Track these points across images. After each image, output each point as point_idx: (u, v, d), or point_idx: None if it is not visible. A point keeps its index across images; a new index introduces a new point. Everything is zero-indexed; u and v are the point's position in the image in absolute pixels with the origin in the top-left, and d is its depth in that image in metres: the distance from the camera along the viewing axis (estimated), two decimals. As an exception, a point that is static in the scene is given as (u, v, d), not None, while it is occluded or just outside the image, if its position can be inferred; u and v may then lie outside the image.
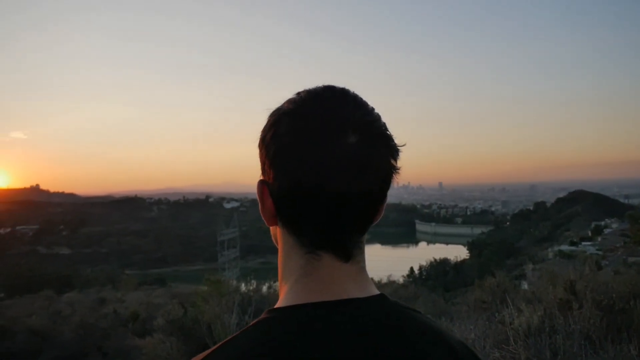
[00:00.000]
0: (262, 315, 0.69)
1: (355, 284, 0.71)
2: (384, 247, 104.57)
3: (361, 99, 0.74)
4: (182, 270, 74.48)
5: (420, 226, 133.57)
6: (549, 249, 52.07)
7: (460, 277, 47.24)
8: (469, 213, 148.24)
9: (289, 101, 0.72)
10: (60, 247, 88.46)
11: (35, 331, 11.11)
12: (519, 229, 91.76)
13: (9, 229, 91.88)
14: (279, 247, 0.76)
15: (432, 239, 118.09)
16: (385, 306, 0.71)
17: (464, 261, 61.34)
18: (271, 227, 0.77)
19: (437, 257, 61.26)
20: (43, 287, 26.78)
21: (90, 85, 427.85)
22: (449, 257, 62.19)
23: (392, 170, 0.72)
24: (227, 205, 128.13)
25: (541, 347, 3.39)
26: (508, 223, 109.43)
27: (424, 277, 55.07)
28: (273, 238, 0.79)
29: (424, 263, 60.27)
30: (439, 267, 58.57)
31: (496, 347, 3.59)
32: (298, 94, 0.73)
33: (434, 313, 7.91)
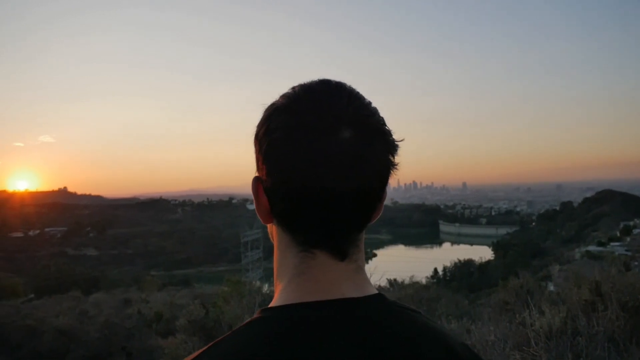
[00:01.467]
0: (255, 315, 0.68)
1: (352, 284, 0.69)
2: (407, 247, 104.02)
3: (357, 93, 0.71)
4: (206, 271, 75.15)
5: (444, 227, 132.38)
6: (576, 250, 51.15)
7: (485, 278, 46.66)
8: (493, 213, 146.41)
9: (283, 96, 0.70)
10: (87, 249, 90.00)
11: (62, 331, 11.33)
12: (545, 230, 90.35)
13: (38, 231, 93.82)
14: (275, 245, 0.75)
15: (456, 239, 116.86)
16: (382, 306, 0.69)
17: (488, 262, 60.61)
18: (268, 225, 0.75)
19: (462, 258, 60.65)
20: (71, 287, 27.27)
21: (116, 88, 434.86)
22: (473, 258, 61.52)
23: (389, 166, 0.70)
24: (250, 207, 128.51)
25: (563, 350, 3.33)
26: (534, 223, 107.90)
27: (448, 278, 54.55)
28: (270, 236, 0.77)
29: (448, 264, 59.71)
30: (464, 268, 57.98)
31: (517, 349, 3.53)
32: (293, 88, 0.71)
33: (456, 314, 7.82)
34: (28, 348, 11.47)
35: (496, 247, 75.97)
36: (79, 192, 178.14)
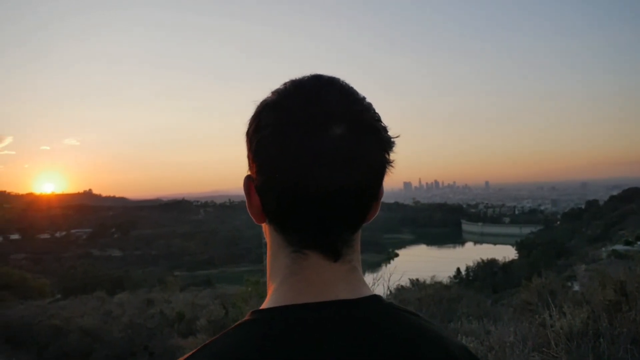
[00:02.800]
0: (246, 317, 0.66)
1: (345, 285, 0.67)
2: (429, 247, 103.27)
3: (350, 88, 0.69)
4: (229, 272, 75.61)
5: (467, 226, 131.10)
6: (603, 249, 50.10)
7: (509, 278, 46.05)
8: (517, 212, 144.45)
9: (274, 92, 0.68)
10: (112, 250, 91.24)
11: (87, 331, 11.52)
12: (570, 229, 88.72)
13: (64, 232, 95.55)
14: (267, 245, 0.73)
15: (479, 239, 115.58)
16: (377, 308, 0.67)
17: (512, 262, 59.79)
18: (263, 225, 0.73)
19: (485, 258, 59.96)
20: (96, 288, 27.67)
21: (138, 91, 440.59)
22: (496, 258, 60.77)
23: (384, 163, 0.68)
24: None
25: (584, 351, 3.26)
26: (558, 222, 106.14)
27: (471, 278, 54.01)
28: (265, 236, 0.75)
29: (470, 264, 59.10)
30: (487, 267, 57.28)
31: (536, 351, 3.47)
32: (284, 84, 0.69)
33: (477, 315, 7.73)
34: (54, 347, 11.70)
35: (520, 246, 74.88)
36: (104, 194, 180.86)
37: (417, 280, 13.64)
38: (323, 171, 0.62)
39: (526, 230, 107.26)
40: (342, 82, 0.69)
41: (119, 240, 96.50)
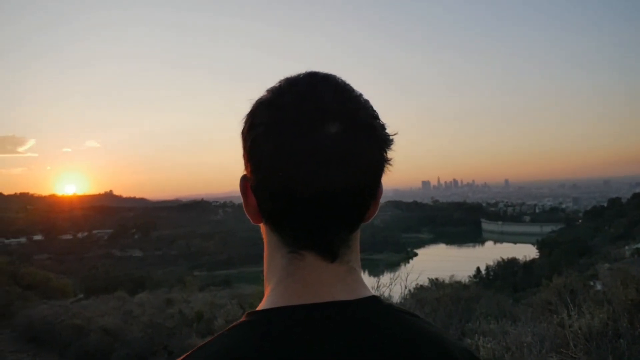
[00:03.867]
0: (242, 318, 0.65)
1: (343, 286, 0.66)
2: (448, 246, 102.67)
3: (346, 85, 0.68)
4: (247, 272, 75.86)
5: (486, 225, 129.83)
6: (626, 247, 49.23)
7: (530, 277, 45.50)
8: (537, 211, 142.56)
9: (269, 90, 0.67)
10: (133, 250, 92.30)
11: (108, 330, 11.66)
12: (592, 227, 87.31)
13: (86, 233, 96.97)
14: (264, 245, 0.72)
15: (499, 238, 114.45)
16: (376, 309, 0.66)
17: (533, 261, 59.06)
18: (260, 225, 0.72)
19: (505, 257, 59.34)
20: (117, 288, 27.98)
21: (158, 93, 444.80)
22: (517, 257, 60.09)
23: (381, 162, 0.66)
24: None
25: (603, 352, 3.20)
26: (580, 221, 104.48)
27: (491, 277, 53.49)
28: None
29: (491, 263, 58.54)
30: (507, 267, 56.62)
31: (554, 351, 3.42)
32: (279, 81, 0.68)
33: (496, 314, 7.64)
34: (76, 346, 11.86)
35: (541, 245, 73.94)
36: (124, 195, 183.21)
37: (437, 279, 13.56)
38: (317, 170, 0.60)
39: (547, 228, 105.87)
40: (338, 79, 0.68)
41: (139, 241, 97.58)
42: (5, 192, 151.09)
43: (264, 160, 0.63)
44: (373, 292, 0.69)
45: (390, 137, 0.68)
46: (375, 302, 0.67)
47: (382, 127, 0.67)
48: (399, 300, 7.90)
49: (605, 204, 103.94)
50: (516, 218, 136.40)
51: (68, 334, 12.79)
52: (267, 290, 0.69)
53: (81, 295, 31.22)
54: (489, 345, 3.73)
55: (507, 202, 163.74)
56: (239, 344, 0.61)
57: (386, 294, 7.49)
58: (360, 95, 0.67)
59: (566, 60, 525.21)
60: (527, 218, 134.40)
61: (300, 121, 0.62)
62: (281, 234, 0.67)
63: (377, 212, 0.71)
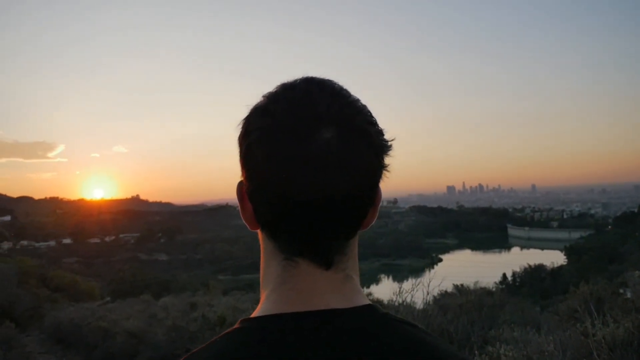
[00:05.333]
0: (235, 325, 0.65)
1: (338, 294, 0.65)
2: (474, 252, 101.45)
3: (342, 90, 0.67)
4: (271, 276, 76.20)
5: (513, 231, 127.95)
6: (658, 254, 47.98)
7: (558, 284, 44.68)
8: (565, 216, 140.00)
9: (264, 95, 0.67)
10: (159, 254, 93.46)
11: (132, 333, 11.83)
12: (623, 233, 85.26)
13: (113, 237, 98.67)
14: (261, 252, 0.71)
15: (526, 244, 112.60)
16: (371, 318, 0.64)
17: (561, 267, 57.98)
18: (258, 232, 0.71)
19: (532, 263, 58.39)
20: (143, 291, 28.35)
21: (183, 98, 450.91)
22: (544, 263, 59.09)
23: (377, 168, 0.65)
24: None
25: (628, 362, 3.13)
26: (610, 227, 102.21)
27: (517, 283, 52.67)
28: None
29: (517, 269, 57.66)
30: (534, 273, 55.72)
31: (577, 361, 3.36)
32: (276, 87, 0.67)
33: (520, 322, 7.52)
34: (102, 349, 12.08)
35: (569, 251, 72.53)
36: (151, 199, 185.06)
37: (462, 285, 13.42)
38: (311, 176, 0.60)
39: (575, 234, 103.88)
40: (335, 84, 0.67)
41: (165, 245, 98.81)
42: (36, 197, 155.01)
43: (258, 167, 0.63)
44: (369, 301, 0.68)
45: (388, 143, 0.67)
46: (371, 311, 0.65)
47: (379, 132, 0.66)
48: (421, 307, 7.83)
49: (636, 210, 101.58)
50: (543, 224, 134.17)
51: (94, 336, 13.02)
52: (262, 297, 0.69)
53: (108, 298, 31.71)
54: (510, 354, 3.67)
55: (534, 207, 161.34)
56: (230, 351, 0.61)
57: (408, 300, 7.44)
58: (357, 100, 0.66)
59: (594, 61, 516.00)
60: (555, 224, 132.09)
61: (294, 127, 0.61)
62: (276, 241, 0.66)
63: (375, 219, 0.70)
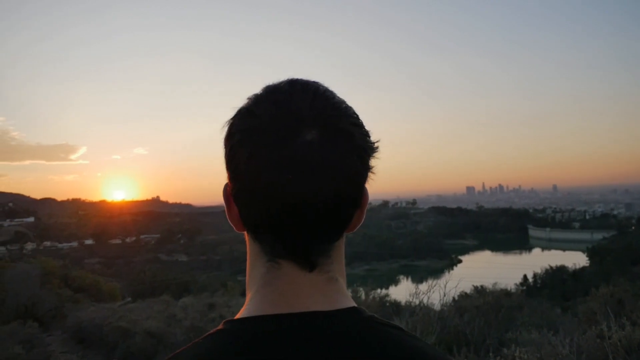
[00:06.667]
0: (219, 326, 0.65)
1: (320, 296, 0.65)
2: (494, 253, 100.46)
3: (326, 91, 0.66)
4: (290, 277, 76.28)
5: (534, 231, 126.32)
6: (683, 256, 46.95)
7: (580, 286, 44.00)
8: (587, 217, 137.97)
9: (249, 97, 0.67)
10: (179, 255, 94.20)
11: (152, 333, 11.96)
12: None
13: (134, 238, 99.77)
14: (247, 254, 0.72)
15: (547, 245, 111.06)
16: (354, 321, 0.64)
17: (583, 269, 57.06)
18: (244, 234, 0.72)
19: (553, 264, 57.58)
20: (163, 291, 28.58)
21: (202, 100, 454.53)
22: (566, 265, 58.22)
23: (361, 170, 0.64)
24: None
25: (645, 365, 3.08)
26: (633, 227, 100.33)
27: (539, 285, 51.99)
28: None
29: (538, 270, 56.92)
30: (556, 274, 54.95)
31: (592, 363, 3.31)
32: (261, 89, 0.67)
33: (538, 324, 7.45)
34: (122, 348, 12.22)
35: (591, 252, 71.37)
36: (171, 200, 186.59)
37: (481, 287, 13.33)
38: (292, 178, 0.59)
39: (598, 235, 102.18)
40: (320, 86, 0.67)
41: (185, 246, 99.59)
42: (59, 198, 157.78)
43: (240, 169, 0.63)
44: (354, 304, 0.67)
45: (373, 145, 0.66)
46: (354, 314, 0.65)
47: (364, 134, 0.65)
48: (438, 308, 7.80)
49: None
50: (565, 224, 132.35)
51: (115, 336, 13.18)
52: (247, 298, 0.69)
53: (129, 299, 32.05)
54: (525, 357, 3.63)
55: (555, 207, 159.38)
56: (208, 353, 0.61)
57: (425, 302, 7.41)
58: (342, 102, 0.66)
59: (618, 58, 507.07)
60: (577, 224, 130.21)
61: (276, 129, 0.61)
62: (260, 243, 0.67)
63: (362, 221, 0.70)
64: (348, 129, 0.63)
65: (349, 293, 0.70)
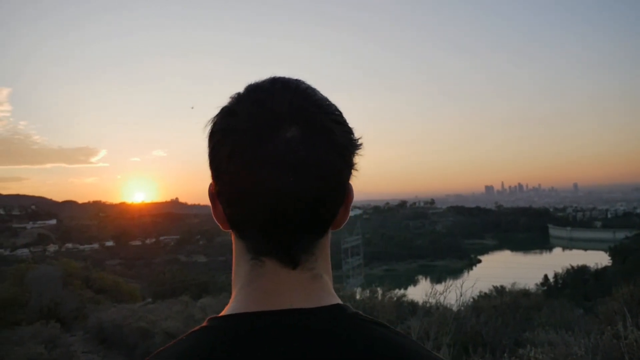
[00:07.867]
0: (202, 324, 0.65)
1: (304, 294, 0.65)
2: (514, 253, 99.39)
3: (307, 89, 0.66)
4: (307, 277, 76.24)
5: (554, 231, 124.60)
6: None
7: (602, 286, 43.29)
8: (609, 216, 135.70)
9: (231, 96, 0.68)
10: (198, 256, 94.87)
11: (170, 333, 12.06)
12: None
13: (154, 239, 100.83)
14: (233, 251, 0.71)
15: (568, 244, 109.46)
16: (337, 318, 0.64)
17: (605, 268, 56.15)
18: (231, 232, 0.72)
19: (575, 264, 56.78)
20: (183, 292, 28.78)
21: (220, 104, 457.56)
22: (587, 264, 57.35)
23: (342, 167, 0.65)
24: (350, 213, 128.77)
25: (661, 366, 3.04)
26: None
27: (559, 285, 51.32)
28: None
29: (559, 270, 56.16)
30: (577, 274, 54.15)
31: (607, 364, 3.28)
32: (244, 88, 0.68)
33: (557, 324, 7.37)
34: (141, 348, 12.37)
35: (614, 252, 70.16)
36: (189, 202, 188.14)
37: (501, 287, 13.23)
38: (272, 176, 0.60)
39: (620, 235, 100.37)
40: (301, 83, 0.67)
41: (204, 247, 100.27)
42: (80, 201, 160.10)
43: (222, 168, 0.63)
44: (339, 301, 0.67)
45: (355, 142, 0.66)
46: (338, 311, 0.65)
47: (346, 131, 0.65)
48: (455, 309, 7.76)
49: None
50: (586, 224, 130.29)
51: (134, 336, 13.35)
52: (232, 296, 0.69)
53: (149, 299, 32.34)
54: (540, 357, 3.61)
55: (576, 206, 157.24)
56: (193, 350, 0.61)
57: (442, 302, 7.38)
58: (324, 99, 0.66)
59: (638, 57, 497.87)
60: (599, 224, 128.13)
61: (256, 127, 0.61)
62: (244, 241, 0.67)
63: (347, 219, 0.71)
64: (329, 126, 0.63)
65: (333, 290, 0.69)
